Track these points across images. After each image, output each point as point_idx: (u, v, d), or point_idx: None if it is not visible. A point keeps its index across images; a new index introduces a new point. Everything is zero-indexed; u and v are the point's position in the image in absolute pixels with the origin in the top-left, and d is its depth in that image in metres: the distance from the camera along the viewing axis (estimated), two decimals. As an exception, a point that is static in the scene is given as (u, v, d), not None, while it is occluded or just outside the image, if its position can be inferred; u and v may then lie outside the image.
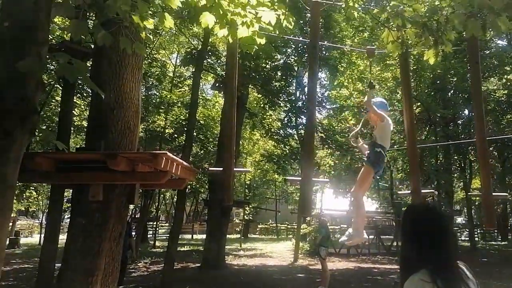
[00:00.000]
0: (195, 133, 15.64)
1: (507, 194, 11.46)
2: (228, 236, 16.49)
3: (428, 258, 1.64)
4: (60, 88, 12.31)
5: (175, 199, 23.09)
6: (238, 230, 31.19)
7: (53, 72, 11.41)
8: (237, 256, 17.36)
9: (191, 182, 15.34)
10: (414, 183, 5.04)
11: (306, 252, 17.87)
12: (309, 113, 4.63)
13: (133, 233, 14.20)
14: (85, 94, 14.43)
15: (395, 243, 19.20)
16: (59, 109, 11.57)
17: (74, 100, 12.44)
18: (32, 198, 24.54)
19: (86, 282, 4.14)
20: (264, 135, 19.83)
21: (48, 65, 10.97)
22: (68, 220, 6.13)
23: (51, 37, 11.33)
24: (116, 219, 4.50)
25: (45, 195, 23.47)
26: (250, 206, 30.00)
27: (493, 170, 21.93)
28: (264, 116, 18.83)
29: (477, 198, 19.25)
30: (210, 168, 11.65)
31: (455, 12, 3.58)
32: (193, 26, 14.71)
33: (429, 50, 4.05)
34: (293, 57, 17.33)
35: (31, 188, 21.42)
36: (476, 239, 23.52)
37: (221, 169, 4.51)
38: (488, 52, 16.27)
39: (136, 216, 23.66)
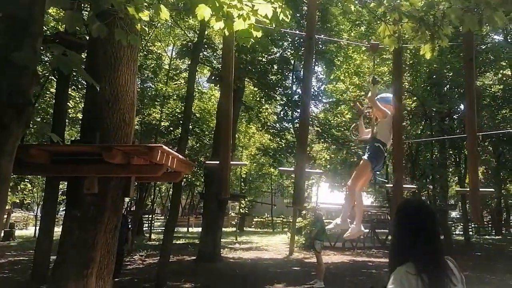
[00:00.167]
0: (191, 126, 15.57)
1: (493, 190, 11.47)
2: (223, 229, 16.52)
3: (416, 251, 1.70)
4: (55, 80, 12.23)
5: (170, 192, 23.06)
6: (234, 223, 31.27)
7: (47, 63, 11.31)
8: (232, 249, 17.43)
9: (186, 175, 15.32)
10: (398, 177, 4.90)
11: (302, 245, 17.96)
12: (304, 104, 4.62)
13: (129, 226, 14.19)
14: (80, 86, 14.32)
15: (389, 237, 19.34)
16: (53, 101, 11.50)
17: (69, 92, 12.35)
18: (27, 190, 24.49)
19: (81, 275, 4.15)
20: (260, 128, 19.77)
21: (42, 57, 10.88)
22: (63, 212, 6.12)
23: (46, 29, 11.24)
24: (112, 211, 4.50)
25: (40, 187, 23.43)
26: (246, 199, 30.02)
27: (488, 165, 22.14)
28: (260, 110, 18.78)
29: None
30: (207, 162, 11.63)
31: (452, 6, 3.58)
32: (189, 18, 14.61)
33: (426, 44, 4.05)
34: (289, 50, 17.25)
35: (26, 180, 21.38)
36: (470, 233, 23.70)
37: (218, 162, 4.52)
38: (484, 47, 16.26)
39: (132, 209, 23.64)
